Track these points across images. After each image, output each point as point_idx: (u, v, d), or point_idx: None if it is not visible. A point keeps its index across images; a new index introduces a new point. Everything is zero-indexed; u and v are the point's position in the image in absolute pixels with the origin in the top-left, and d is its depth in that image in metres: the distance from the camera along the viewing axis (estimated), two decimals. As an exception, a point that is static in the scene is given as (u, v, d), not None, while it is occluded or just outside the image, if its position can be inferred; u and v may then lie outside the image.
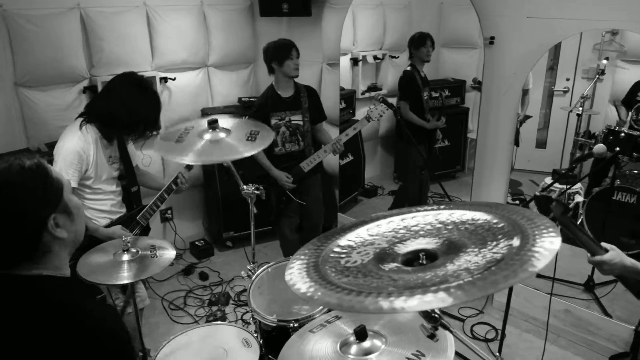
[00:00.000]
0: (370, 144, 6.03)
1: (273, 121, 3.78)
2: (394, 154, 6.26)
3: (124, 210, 3.01)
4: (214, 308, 4.00)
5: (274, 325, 2.42)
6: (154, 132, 2.96)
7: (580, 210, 4.34)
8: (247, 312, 2.63)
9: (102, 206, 2.86)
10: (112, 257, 2.40)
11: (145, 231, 3.04)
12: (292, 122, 3.83)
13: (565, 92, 4.81)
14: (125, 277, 2.30)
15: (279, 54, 3.72)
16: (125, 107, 2.69)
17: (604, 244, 1.78)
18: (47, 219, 1.26)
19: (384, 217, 1.53)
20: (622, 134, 3.88)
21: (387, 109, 3.68)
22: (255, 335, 2.49)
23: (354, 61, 5.49)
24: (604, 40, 4.31)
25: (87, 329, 1.23)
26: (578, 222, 4.23)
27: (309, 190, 3.99)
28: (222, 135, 2.61)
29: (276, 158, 3.83)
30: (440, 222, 1.43)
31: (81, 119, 2.76)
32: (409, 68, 4.71)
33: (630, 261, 1.76)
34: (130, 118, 2.72)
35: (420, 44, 4.63)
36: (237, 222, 4.72)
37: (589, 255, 1.78)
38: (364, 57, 5.54)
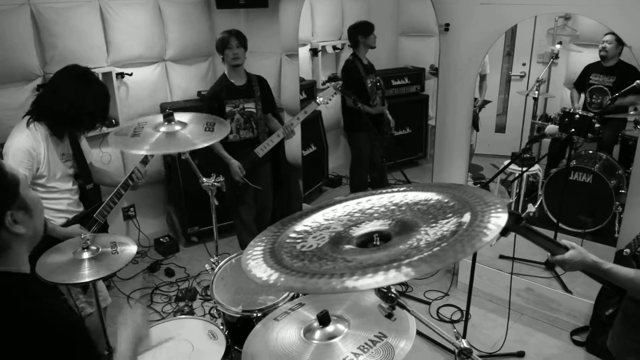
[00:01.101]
0: (333, 133, 6.05)
1: (227, 108, 3.83)
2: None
3: (81, 209, 2.94)
4: (181, 304, 3.98)
5: (238, 316, 2.42)
6: (105, 125, 2.91)
7: (539, 191, 4.44)
8: (214, 305, 2.64)
9: (58, 205, 2.79)
10: (71, 256, 2.36)
11: (103, 229, 2.99)
12: (246, 109, 3.89)
13: (522, 76, 4.90)
14: (86, 275, 2.27)
15: (219, 44, 3.82)
16: (70, 102, 2.62)
17: (564, 242, 1.76)
18: (3, 216, 1.24)
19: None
20: (577, 116, 3.99)
21: (335, 93, 3.82)
22: (222, 327, 2.49)
23: (314, 52, 5.49)
24: (557, 25, 4.40)
25: (45, 324, 1.22)
26: (537, 203, 4.34)
27: (260, 177, 4.04)
28: (178, 127, 2.59)
29: (231, 145, 3.88)
30: (394, 204, 1.45)
31: (28, 117, 2.69)
32: (350, 57, 4.78)
33: (592, 259, 1.75)
34: (77, 112, 2.65)
35: (369, 31, 4.70)
36: (201, 217, 4.69)
37: (549, 255, 1.77)
38: (323, 47, 5.55)
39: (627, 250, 1.97)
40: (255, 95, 3.91)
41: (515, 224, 1.52)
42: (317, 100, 3.79)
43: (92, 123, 2.77)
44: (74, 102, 2.63)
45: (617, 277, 1.76)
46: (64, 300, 2.69)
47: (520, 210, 3.99)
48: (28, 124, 2.65)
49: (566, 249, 1.75)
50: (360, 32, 4.70)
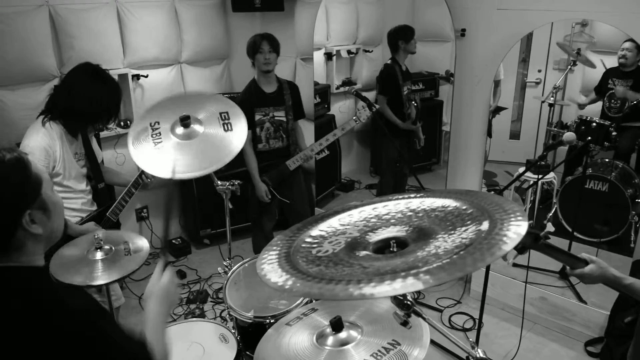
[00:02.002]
0: (346, 138, 6.02)
1: (257, 117, 3.72)
2: (370, 148, 6.28)
3: (94, 208, 2.99)
4: (193, 306, 3.98)
5: (250, 321, 2.41)
6: (119, 125, 2.94)
7: (554, 199, 4.39)
8: (225, 309, 2.64)
9: (72, 204, 2.83)
10: (85, 255, 2.35)
11: (115, 227, 3.02)
12: (276, 118, 3.77)
13: (537, 83, 4.86)
14: (100, 277, 2.26)
15: (250, 48, 3.68)
16: (87, 99, 2.68)
17: (584, 255, 1.74)
18: (22, 215, 1.25)
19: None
20: (594, 124, 3.95)
21: (372, 111, 3.62)
22: (233, 331, 2.48)
23: (328, 56, 5.48)
24: (574, 32, 4.37)
25: (59, 318, 1.21)
26: (552, 212, 4.30)
27: (292, 187, 3.94)
28: (199, 129, 2.60)
29: (259, 155, 3.78)
30: (411, 210, 1.44)
31: (42, 116, 2.73)
32: (389, 61, 4.64)
33: (612, 273, 1.72)
34: (94, 109, 2.71)
35: (410, 36, 4.56)
36: (213, 219, 4.69)
37: (568, 269, 1.75)
38: (338, 51, 5.54)
39: None
40: (286, 104, 3.78)
41: (534, 243, 1.50)
42: (355, 118, 3.66)
43: (109, 117, 2.82)
44: (92, 99, 2.68)
45: (638, 292, 1.71)
46: (81, 290, 2.70)
47: (534, 222, 3.94)
48: (43, 123, 2.69)
49: (586, 262, 1.72)
50: (402, 37, 4.55)
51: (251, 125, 3.70)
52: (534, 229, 1.41)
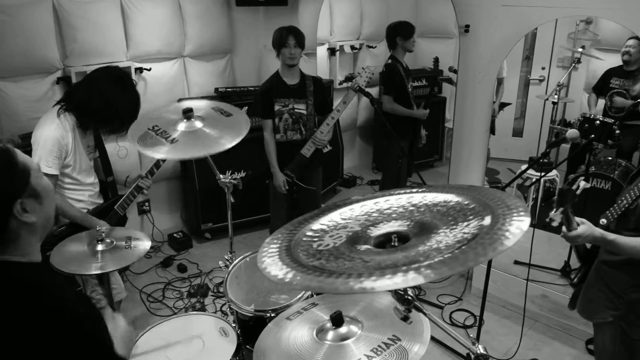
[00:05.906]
0: (349, 134, 6.04)
1: (276, 107, 3.73)
2: (373, 144, 6.29)
3: (101, 201, 3.00)
4: (193, 300, 3.98)
5: (251, 315, 2.41)
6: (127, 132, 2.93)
7: (556, 197, 4.38)
8: (226, 303, 2.64)
9: (79, 196, 2.85)
10: (86, 248, 2.36)
11: (122, 221, 3.02)
12: (296, 110, 3.76)
13: (541, 80, 4.86)
14: (98, 267, 2.27)
15: (276, 41, 3.66)
16: (104, 101, 2.66)
17: (576, 219, 1.96)
18: (12, 205, 1.24)
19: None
20: (597, 122, 3.93)
21: (372, 74, 3.61)
22: (234, 325, 2.48)
23: (331, 51, 5.49)
24: (578, 29, 4.36)
25: (55, 312, 1.22)
26: (554, 210, 4.28)
27: (312, 177, 3.92)
28: (198, 124, 2.58)
29: (277, 145, 3.79)
30: (412, 205, 1.43)
31: (58, 106, 2.73)
32: (389, 61, 4.55)
33: (599, 232, 1.98)
34: (107, 112, 2.69)
35: (409, 34, 4.49)
36: (215, 213, 4.69)
37: (564, 229, 1.94)
38: (341, 47, 5.55)
39: (604, 221, 2.16)
40: (307, 97, 3.77)
41: (573, 199, 1.81)
42: (352, 85, 3.58)
43: (120, 126, 2.78)
44: (108, 103, 2.67)
45: (621, 246, 2.01)
46: (79, 291, 2.70)
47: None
48: (58, 114, 2.69)
49: (578, 225, 1.96)
50: (400, 34, 4.47)
51: (271, 115, 3.73)
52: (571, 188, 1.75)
